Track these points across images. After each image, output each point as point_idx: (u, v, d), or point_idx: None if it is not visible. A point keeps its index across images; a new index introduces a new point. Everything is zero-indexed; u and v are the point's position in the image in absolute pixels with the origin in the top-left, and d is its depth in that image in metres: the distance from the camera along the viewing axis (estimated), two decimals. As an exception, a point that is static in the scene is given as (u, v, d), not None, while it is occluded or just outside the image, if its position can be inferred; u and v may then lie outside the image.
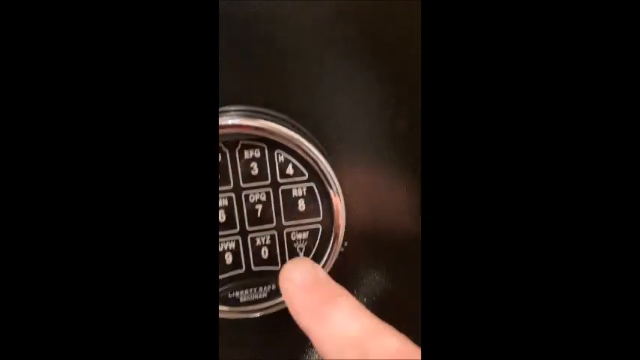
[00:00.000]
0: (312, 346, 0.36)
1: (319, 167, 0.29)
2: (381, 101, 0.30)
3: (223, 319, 0.32)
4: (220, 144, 0.28)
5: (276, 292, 0.32)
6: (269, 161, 0.29)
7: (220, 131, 0.28)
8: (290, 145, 0.28)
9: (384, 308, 0.30)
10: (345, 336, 0.22)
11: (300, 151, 0.29)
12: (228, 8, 0.27)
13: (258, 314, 0.32)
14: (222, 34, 0.27)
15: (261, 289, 0.32)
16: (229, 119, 0.28)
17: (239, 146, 0.28)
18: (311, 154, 0.29)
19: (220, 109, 0.29)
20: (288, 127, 0.28)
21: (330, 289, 0.25)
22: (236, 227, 0.30)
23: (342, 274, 0.33)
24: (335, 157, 0.30)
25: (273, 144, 0.29)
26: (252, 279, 0.31)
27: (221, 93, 0.28)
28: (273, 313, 0.32)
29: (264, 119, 0.28)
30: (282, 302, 0.32)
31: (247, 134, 0.28)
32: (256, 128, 0.28)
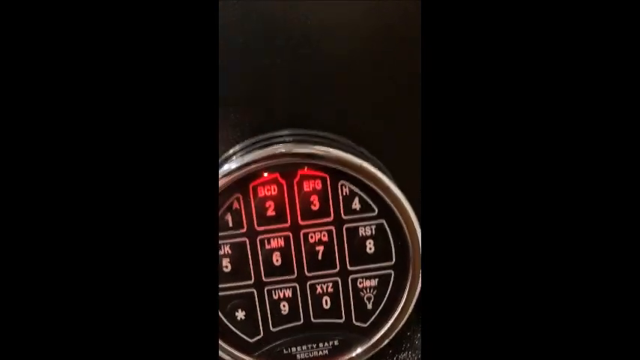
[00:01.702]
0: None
1: (392, 201, 0.25)
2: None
3: None
4: (276, 175, 0.24)
5: (339, 349, 0.27)
6: (332, 194, 0.25)
7: (276, 161, 0.24)
8: (357, 175, 0.24)
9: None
10: None
11: (368, 182, 0.24)
12: (279, 26, 0.24)
13: None
14: (271, 53, 0.24)
15: (321, 344, 0.27)
16: (284, 147, 0.24)
17: (297, 177, 0.25)
18: (382, 185, 0.24)
19: (272, 134, 0.25)
20: (354, 154, 0.24)
21: None
22: (293, 272, 0.26)
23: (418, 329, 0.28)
24: (410, 189, 0.25)
25: (336, 174, 0.25)
26: (312, 333, 0.27)
27: (271, 116, 0.25)
28: None
29: (324, 144, 0.24)
30: None
31: (306, 163, 0.24)
32: (316, 156, 0.24)
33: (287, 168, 0.24)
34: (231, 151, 0.25)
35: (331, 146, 0.24)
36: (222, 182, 0.24)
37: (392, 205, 0.25)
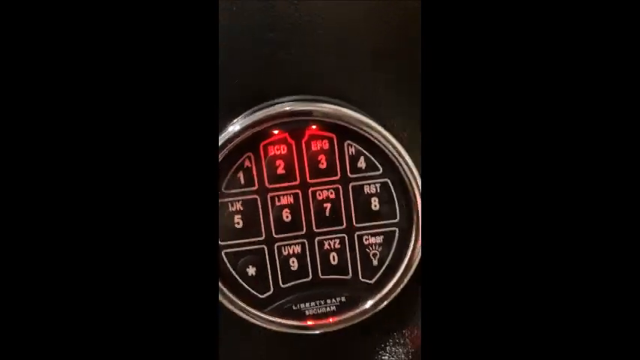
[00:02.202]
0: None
1: (396, 160, 0.26)
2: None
3: (282, 333, 0.28)
4: (286, 135, 0.25)
5: (346, 305, 0.28)
6: (338, 154, 0.26)
7: (284, 119, 0.25)
8: (363, 133, 0.25)
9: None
10: None
11: (374, 140, 0.25)
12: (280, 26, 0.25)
13: (318, 331, 0.28)
14: (272, 53, 0.25)
15: (329, 301, 0.28)
16: (295, 105, 0.25)
17: (306, 137, 0.26)
18: (387, 143, 0.25)
19: (278, 100, 0.26)
20: (360, 112, 0.25)
21: None
22: (302, 229, 0.27)
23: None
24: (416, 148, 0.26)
25: (343, 134, 0.26)
26: (320, 289, 0.28)
27: (273, 84, 0.26)
28: (337, 331, 0.28)
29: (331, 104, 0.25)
30: (352, 318, 0.28)
31: (314, 120, 0.25)
32: (323, 113, 0.25)
33: (295, 126, 0.25)
34: (235, 120, 0.26)
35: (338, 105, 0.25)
36: (232, 142, 0.25)
37: (397, 164, 0.26)
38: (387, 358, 0.31)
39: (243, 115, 0.26)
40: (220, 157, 0.25)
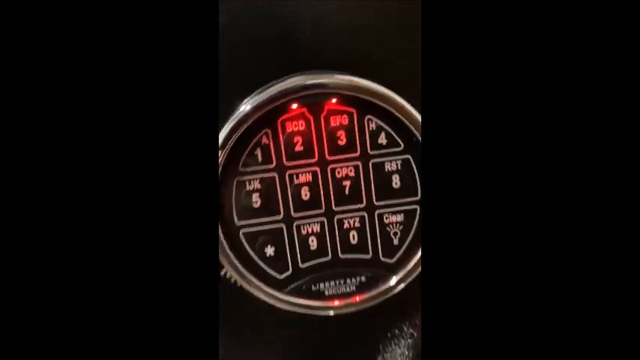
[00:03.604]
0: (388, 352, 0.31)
1: (419, 135, 0.25)
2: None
3: (296, 313, 0.28)
4: (304, 110, 0.25)
5: (366, 285, 0.27)
6: (358, 129, 0.25)
7: (302, 93, 0.24)
8: (385, 106, 0.24)
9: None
10: None
11: (397, 114, 0.24)
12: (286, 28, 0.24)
13: (336, 312, 0.28)
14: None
15: (349, 281, 0.27)
16: (312, 78, 0.24)
17: (325, 112, 0.25)
18: (410, 118, 0.24)
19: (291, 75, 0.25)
20: (382, 86, 0.24)
21: None
22: (321, 207, 0.26)
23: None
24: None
25: (363, 108, 0.25)
26: (340, 269, 0.27)
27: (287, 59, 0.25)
28: (355, 312, 0.28)
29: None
30: (372, 298, 0.27)
31: (335, 94, 0.24)
32: (345, 86, 0.24)
33: (314, 100, 0.24)
34: (248, 98, 0.25)
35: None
36: (251, 118, 0.24)
37: (419, 140, 0.25)
38: (403, 341, 0.31)
39: (257, 91, 0.25)
40: (235, 135, 0.24)
